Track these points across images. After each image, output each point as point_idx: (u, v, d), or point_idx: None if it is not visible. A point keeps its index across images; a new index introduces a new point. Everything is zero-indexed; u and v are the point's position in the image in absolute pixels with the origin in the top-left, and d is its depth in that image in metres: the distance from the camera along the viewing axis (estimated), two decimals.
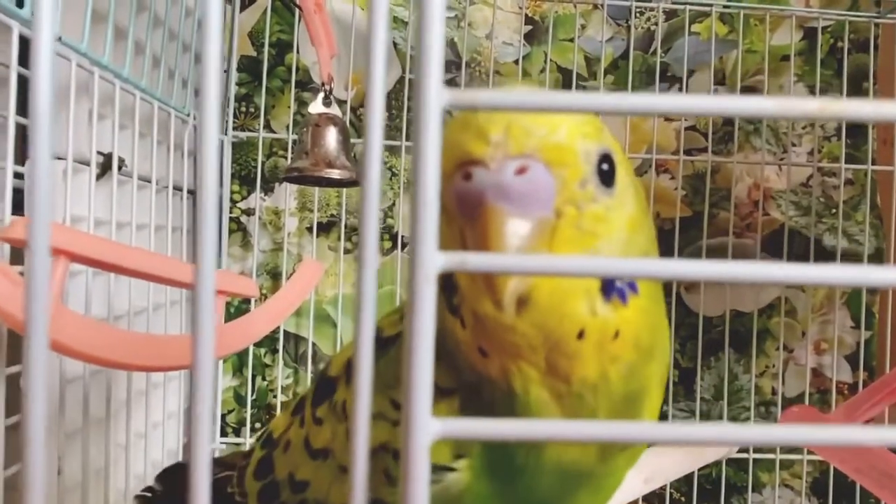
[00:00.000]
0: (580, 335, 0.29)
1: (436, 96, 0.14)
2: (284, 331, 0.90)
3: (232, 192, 0.90)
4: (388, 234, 0.92)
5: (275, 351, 0.91)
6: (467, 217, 0.28)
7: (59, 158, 0.55)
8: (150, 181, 0.68)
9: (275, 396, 0.91)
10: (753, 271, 0.16)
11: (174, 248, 0.75)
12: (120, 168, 0.64)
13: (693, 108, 0.15)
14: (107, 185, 0.62)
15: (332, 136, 0.62)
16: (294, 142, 0.83)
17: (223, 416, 0.89)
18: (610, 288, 0.29)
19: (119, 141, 0.64)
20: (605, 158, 0.29)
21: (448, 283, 0.30)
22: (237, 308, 0.88)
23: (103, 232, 0.60)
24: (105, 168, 0.62)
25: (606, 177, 0.29)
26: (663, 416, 0.94)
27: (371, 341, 0.15)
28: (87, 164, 0.58)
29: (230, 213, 0.89)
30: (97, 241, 0.44)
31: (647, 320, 0.30)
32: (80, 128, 0.58)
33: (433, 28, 0.14)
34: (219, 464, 0.44)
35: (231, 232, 0.90)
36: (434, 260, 0.14)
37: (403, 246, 0.92)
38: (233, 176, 0.89)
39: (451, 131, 0.28)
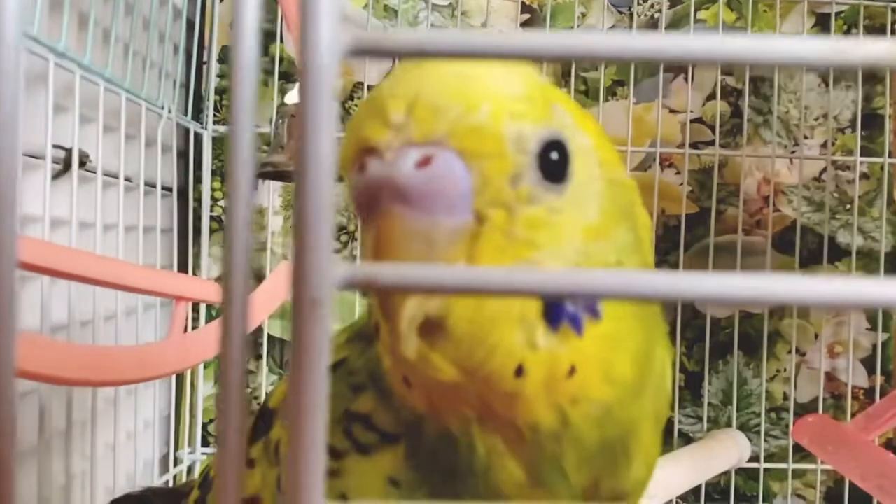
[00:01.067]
0: (518, 372, 0.23)
1: (329, 38, 0.10)
2: (269, 335, 0.85)
3: (213, 190, 0.85)
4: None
5: (259, 357, 0.86)
6: (363, 220, 0.22)
7: None
8: (118, 178, 0.64)
9: (259, 404, 0.86)
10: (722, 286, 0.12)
11: (147, 250, 0.71)
12: (83, 164, 0.60)
13: (718, 53, 0.10)
14: (69, 182, 0.58)
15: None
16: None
17: (205, 425, 0.85)
18: (556, 314, 0.23)
19: (84, 135, 0.59)
20: (555, 145, 0.23)
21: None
22: (220, 313, 0.83)
23: (63, 233, 0.56)
24: (67, 164, 0.58)
25: (555, 169, 0.23)
26: (668, 425, 0.90)
27: (241, 366, 0.11)
28: (44, 159, 0.54)
29: (211, 211, 0.85)
30: (36, 245, 0.39)
31: (624, 349, 0.24)
32: (36, 120, 0.53)
33: None
34: (166, 497, 0.39)
35: (212, 231, 0.85)
36: (327, 273, 0.10)
37: None
38: (214, 172, 0.85)
39: (356, 113, 0.23)
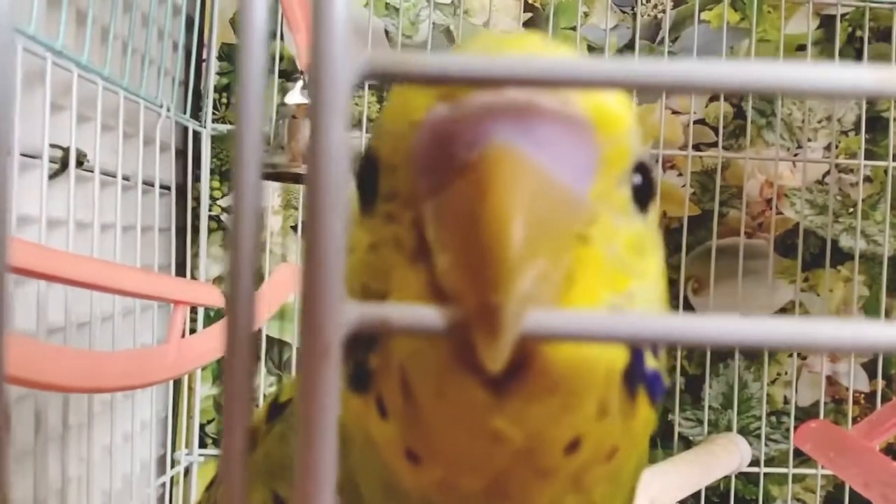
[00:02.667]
0: (571, 447, 0.17)
1: (342, 63, 0.09)
2: (267, 336, 0.85)
3: (212, 189, 0.85)
4: None
5: (257, 358, 0.86)
6: (441, 176, 0.15)
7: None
8: (115, 177, 0.63)
9: (257, 405, 0.86)
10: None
11: (145, 250, 0.70)
12: (81, 163, 0.59)
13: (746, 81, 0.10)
14: (67, 182, 0.57)
15: (310, 129, 0.57)
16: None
17: (202, 426, 0.85)
18: (637, 374, 0.17)
19: (82, 134, 0.59)
20: (641, 168, 0.18)
21: (357, 339, 0.18)
22: (218, 314, 0.83)
23: (60, 234, 0.55)
24: (64, 164, 0.57)
25: (639, 195, 0.18)
26: (669, 426, 0.89)
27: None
28: (40, 158, 0.53)
29: (210, 210, 0.84)
30: (31, 248, 0.39)
31: (644, 438, 0.19)
32: (33, 119, 0.53)
33: None
34: None
35: (211, 231, 0.85)
36: (339, 315, 0.09)
37: None
38: (212, 171, 0.84)
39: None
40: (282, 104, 0.66)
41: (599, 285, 0.17)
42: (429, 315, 0.10)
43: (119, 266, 0.51)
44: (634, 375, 0.17)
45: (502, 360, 0.14)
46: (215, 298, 0.54)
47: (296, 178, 0.64)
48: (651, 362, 0.18)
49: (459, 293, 0.14)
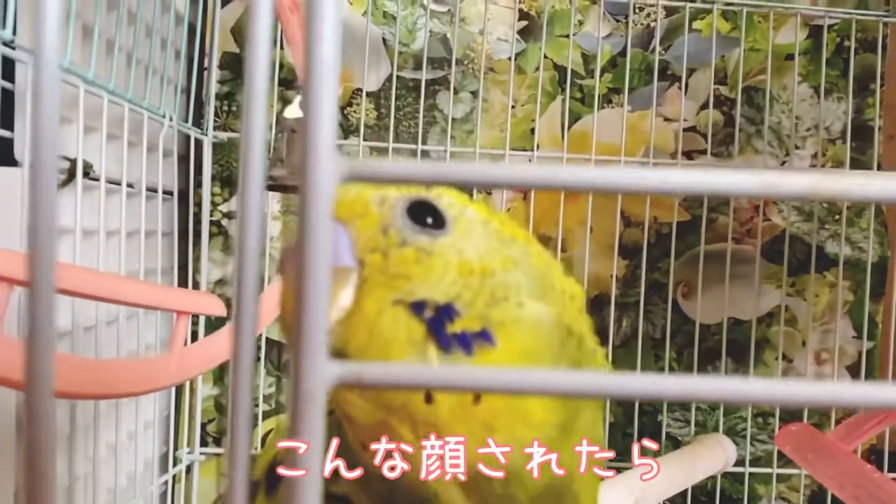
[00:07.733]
0: (428, 398, 0.25)
1: (326, 165, 0.11)
2: (267, 338, 0.87)
3: (213, 195, 0.87)
4: None
5: (256, 359, 0.88)
6: None
7: (14, 165, 0.52)
8: (120, 185, 0.65)
9: (256, 405, 0.88)
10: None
11: (149, 254, 0.72)
12: (87, 173, 0.61)
13: (638, 184, 0.12)
14: (74, 192, 0.59)
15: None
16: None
17: (203, 426, 0.87)
18: (440, 335, 0.25)
19: (89, 145, 0.61)
20: (423, 204, 0.28)
21: None
22: (218, 320, 0.85)
23: (67, 241, 0.58)
24: (71, 174, 0.59)
25: (424, 219, 0.27)
26: (657, 426, 0.92)
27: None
28: None
29: (211, 216, 0.86)
30: None
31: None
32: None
33: (322, 75, 0.11)
34: None
35: (212, 236, 0.87)
36: (323, 371, 0.11)
37: None
38: (213, 177, 0.86)
39: None
40: (280, 115, 0.68)
41: (382, 293, 0.26)
42: (392, 370, 0.12)
43: (124, 279, 0.53)
44: (438, 336, 0.25)
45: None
46: (216, 308, 0.56)
47: (295, 189, 0.66)
48: (452, 328, 0.25)
49: None
